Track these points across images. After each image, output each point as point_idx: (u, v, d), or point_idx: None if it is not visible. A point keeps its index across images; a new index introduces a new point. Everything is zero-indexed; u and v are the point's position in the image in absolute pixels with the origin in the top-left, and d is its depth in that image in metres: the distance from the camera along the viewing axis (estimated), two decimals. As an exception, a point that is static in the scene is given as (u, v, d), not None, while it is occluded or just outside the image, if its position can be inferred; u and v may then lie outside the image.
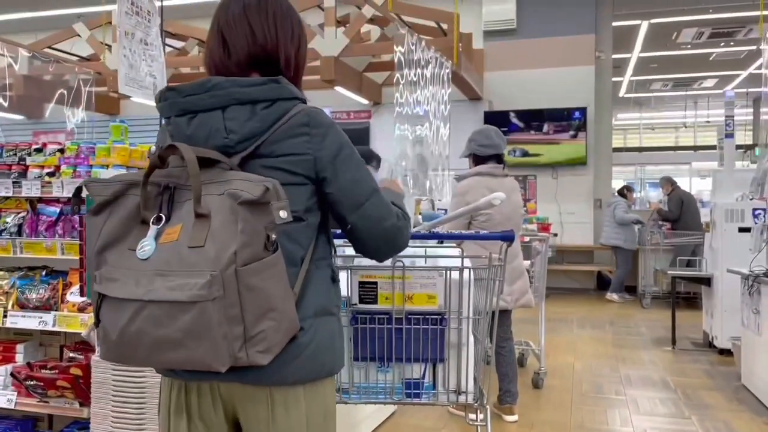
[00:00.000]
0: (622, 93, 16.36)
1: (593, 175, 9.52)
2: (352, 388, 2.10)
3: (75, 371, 2.45)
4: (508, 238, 2.03)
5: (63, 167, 2.77)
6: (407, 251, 1.73)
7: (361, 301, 2.06)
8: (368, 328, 2.04)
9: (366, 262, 2.03)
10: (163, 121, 1.43)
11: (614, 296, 8.70)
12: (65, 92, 7.37)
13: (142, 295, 1.18)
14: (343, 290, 2.00)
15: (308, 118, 1.34)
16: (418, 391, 2.11)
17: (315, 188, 1.37)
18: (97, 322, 1.26)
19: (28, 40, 9.64)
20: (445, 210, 4.52)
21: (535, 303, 4.03)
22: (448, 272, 2.04)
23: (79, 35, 9.03)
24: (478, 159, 3.77)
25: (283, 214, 1.21)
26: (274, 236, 1.23)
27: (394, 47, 6.10)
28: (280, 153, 1.33)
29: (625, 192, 8.94)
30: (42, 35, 9.76)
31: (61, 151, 2.81)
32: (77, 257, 2.56)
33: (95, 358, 2.38)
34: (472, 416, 2.25)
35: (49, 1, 10.69)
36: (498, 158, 3.75)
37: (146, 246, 1.22)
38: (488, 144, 3.71)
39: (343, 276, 2.01)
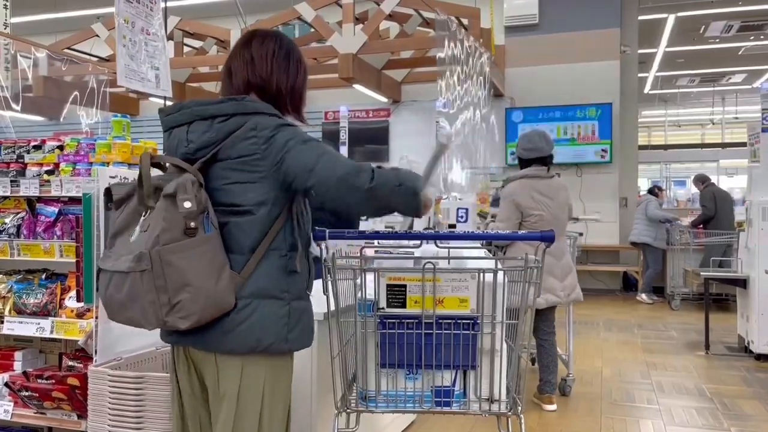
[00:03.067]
0: (647, 89, 15.95)
1: (618, 173, 9.23)
2: (379, 395, 2.00)
3: (72, 381, 2.29)
4: (547, 238, 1.84)
5: (62, 165, 2.62)
6: (440, 252, 1.81)
7: (389, 305, 1.96)
8: (396, 333, 1.94)
9: (393, 263, 2.02)
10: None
11: (644, 297, 8.49)
12: (80, 93, 7.30)
13: (110, 267, 1.59)
14: (370, 294, 1.95)
15: (255, 123, 1.60)
16: (448, 400, 1.99)
17: (273, 183, 1.60)
18: (98, 287, 1.76)
19: (48, 41, 9.63)
20: (467, 209, 4.38)
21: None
22: (482, 274, 1.91)
23: (98, 36, 8.98)
24: (523, 162, 3.99)
25: (186, 204, 1.51)
26: (192, 224, 1.51)
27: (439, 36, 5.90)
28: (234, 156, 1.60)
29: (656, 191, 8.82)
30: (61, 36, 9.74)
31: (60, 148, 2.67)
32: (75, 260, 2.41)
33: (92, 368, 2.22)
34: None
35: (68, 3, 10.68)
36: (542, 160, 3.91)
37: (135, 232, 1.59)
38: (530, 147, 3.92)
39: (370, 279, 1.94)
